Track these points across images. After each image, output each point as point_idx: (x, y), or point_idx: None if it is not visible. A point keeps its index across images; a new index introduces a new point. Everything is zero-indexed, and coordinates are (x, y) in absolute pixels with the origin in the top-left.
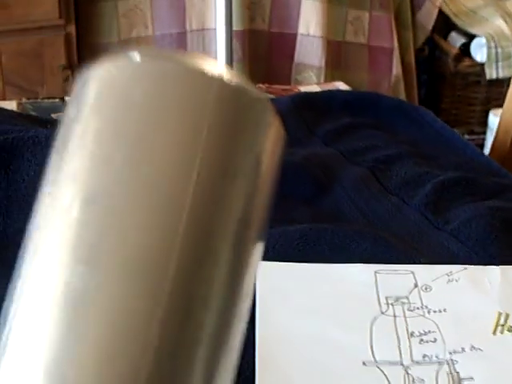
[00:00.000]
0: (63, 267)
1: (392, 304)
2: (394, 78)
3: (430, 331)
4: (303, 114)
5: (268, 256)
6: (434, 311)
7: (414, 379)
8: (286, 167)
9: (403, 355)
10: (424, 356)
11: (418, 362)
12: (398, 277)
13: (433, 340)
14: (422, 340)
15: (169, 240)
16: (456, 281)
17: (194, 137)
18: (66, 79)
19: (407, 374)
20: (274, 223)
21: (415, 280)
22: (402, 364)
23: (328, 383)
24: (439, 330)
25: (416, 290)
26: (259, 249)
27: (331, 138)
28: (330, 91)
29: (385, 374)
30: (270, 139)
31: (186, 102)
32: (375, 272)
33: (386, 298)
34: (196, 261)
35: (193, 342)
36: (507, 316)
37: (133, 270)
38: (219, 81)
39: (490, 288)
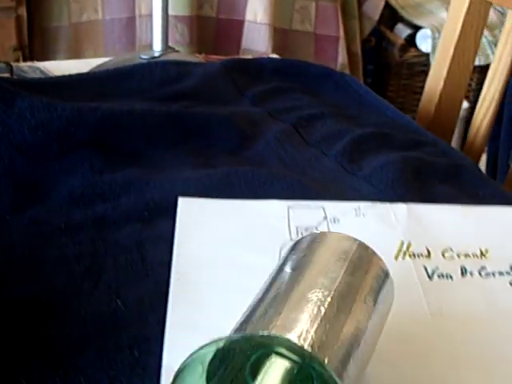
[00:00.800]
0: None
1: (302, 233)
2: (339, 66)
3: None
4: (234, 77)
5: (189, 194)
6: None
7: None
8: (212, 119)
9: None
10: None
11: None
12: (309, 211)
13: None
14: None
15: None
16: (363, 215)
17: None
18: (17, 60)
19: None
20: (197, 167)
21: (325, 214)
22: None
23: (240, 300)
24: None
25: (325, 222)
26: None
27: (259, 99)
28: (261, 58)
29: None
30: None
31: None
32: (288, 207)
33: (297, 228)
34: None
35: None
36: (409, 245)
37: None
38: (356, 242)
39: (396, 223)
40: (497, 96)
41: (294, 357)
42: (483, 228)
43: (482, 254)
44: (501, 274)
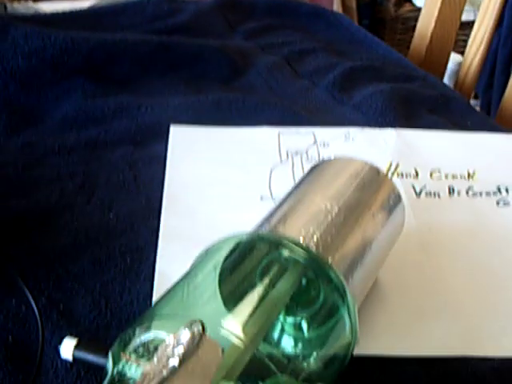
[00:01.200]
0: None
1: (292, 156)
2: None
3: None
4: (226, 14)
5: (181, 120)
6: None
7: None
8: (203, 49)
9: None
10: None
11: None
12: (299, 136)
13: None
14: None
15: None
16: (353, 139)
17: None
18: (12, 0)
19: None
20: (189, 95)
21: (315, 138)
22: None
23: (229, 213)
24: None
25: (315, 146)
26: None
27: (251, 35)
28: None
29: None
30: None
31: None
32: (279, 132)
33: (287, 152)
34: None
35: None
36: (398, 165)
37: None
38: (368, 165)
39: (385, 146)
40: (487, 36)
41: (301, 255)
42: (471, 152)
43: (469, 175)
44: (488, 194)
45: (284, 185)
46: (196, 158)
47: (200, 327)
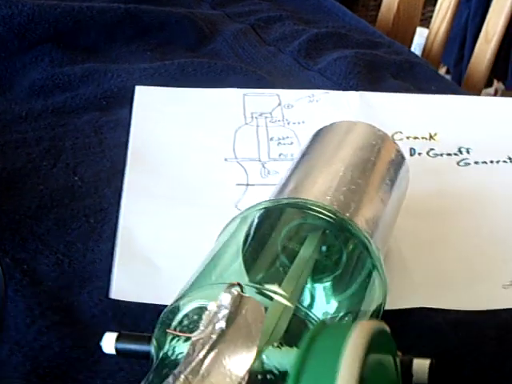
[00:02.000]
0: None
1: (256, 117)
2: None
3: (288, 137)
4: None
5: (146, 84)
6: (294, 123)
7: (269, 171)
8: (170, 16)
9: (261, 154)
10: (280, 154)
11: (274, 159)
12: (263, 98)
13: (289, 143)
14: (279, 143)
15: None
16: (317, 101)
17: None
18: None
19: (264, 167)
20: (155, 61)
21: (280, 100)
22: (259, 160)
23: (193, 174)
24: (296, 136)
25: (279, 107)
26: None
27: (218, 3)
28: None
29: (244, 168)
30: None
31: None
32: (243, 94)
33: (252, 114)
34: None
35: None
36: None
37: None
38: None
39: (348, 108)
40: (452, 5)
41: (327, 218)
42: (433, 114)
43: (430, 136)
44: (449, 154)
45: (248, 146)
46: (160, 118)
47: (239, 288)
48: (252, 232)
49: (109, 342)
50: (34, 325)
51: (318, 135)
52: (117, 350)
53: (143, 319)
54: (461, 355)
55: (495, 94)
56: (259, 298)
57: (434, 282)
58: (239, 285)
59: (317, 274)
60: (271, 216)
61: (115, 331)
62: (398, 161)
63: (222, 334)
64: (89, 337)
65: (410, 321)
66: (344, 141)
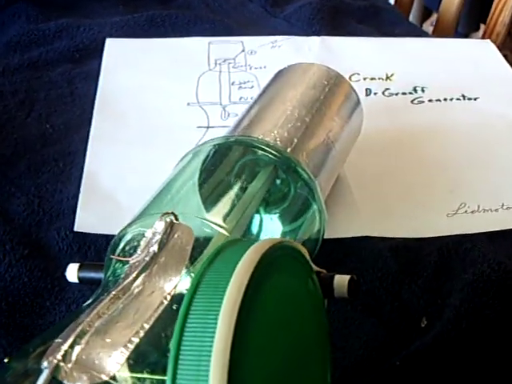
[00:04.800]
0: None
1: (220, 64)
2: None
3: (249, 81)
4: None
5: (116, 36)
6: (256, 68)
7: (229, 114)
8: None
9: (223, 98)
10: (241, 98)
11: (235, 102)
12: (228, 45)
13: (250, 87)
14: (240, 87)
15: None
16: (279, 47)
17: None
18: None
19: (224, 110)
20: (126, 14)
21: (243, 47)
22: (220, 104)
23: (157, 119)
24: (257, 80)
25: (243, 53)
26: None
27: None
28: None
29: (205, 111)
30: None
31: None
32: (209, 42)
33: (216, 60)
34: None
35: None
36: None
37: None
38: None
39: (309, 52)
40: None
41: (273, 155)
42: (391, 56)
43: (387, 77)
44: (404, 94)
45: (210, 90)
46: (128, 68)
47: (172, 217)
48: (207, 167)
49: (72, 272)
50: (6, 258)
51: (276, 77)
52: (79, 278)
53: (105, 251)
54: (400, 279)
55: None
56: (208, 229)
57: (379, 213)
58: (173, 214)
59: (267, 205)
60: (225, 152)
61: (79, 262)
62: (352, 100)
63: (155, 256)
64: (55, 268)
65: (353, 248)
66: (297, 81)
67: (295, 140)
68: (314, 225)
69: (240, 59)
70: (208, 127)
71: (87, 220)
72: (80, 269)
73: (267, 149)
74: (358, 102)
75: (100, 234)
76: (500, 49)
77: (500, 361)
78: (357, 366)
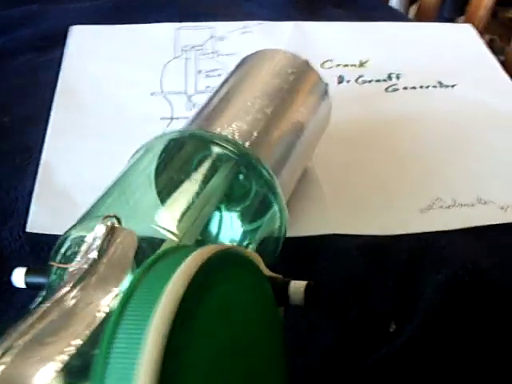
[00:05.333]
0: None
1: (186, 50)
2: None
3: (216, 69)
4: None
5: (83, 23)
6: (224, 55)
7: (194, 104)
8: None
9: (188, 87)
10: (207, 87)
11: (201, 92)
12: (196, 31)
13: (217, 75)
14: (207, 75)
15: None
16: (251, 32)
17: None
18: None
19: (189, 100)
20: (94, 1)
21: (212, 33)
22: (186, 93)
23: (118, 110)
24: (225, 68)
25: (212, 40)
26: None
27: None
28: None
29: (169, 101)
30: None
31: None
32: (177, 29)
33: (183, 47)
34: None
35: None
36: None
37: None
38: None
39: (281, 39)
40: None
41: (231, 151)
42: (366, 41)
43: (361, 64)
44: (378, 81)
45: (175, 80)
46: (91, 56)
47: (114, 220)
48: (163, 162)
49: (19, 277)
50: None
51: (239, 65)
52: (27, 283)
53: None
54: (368, 280)
55: None
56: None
57: (348, 208)
58: (115, 217)
59: (228, 203)
60: (182, 146)
61: (27, 266)
62: (319, 89)
63: (94, 264)
64: (6, 271)
65: (320, 247)
66: (261, 69)
67: (255, 133)
68: (274, 224)
69: (208, 46)
70: (172, 118)
71: (40, 219)
72: (27, 273)
73: (223, 144)
74: (325, 91)
75: (54, 235)
76: (482, 33)
77: (471, 365)
78: (320, 373)
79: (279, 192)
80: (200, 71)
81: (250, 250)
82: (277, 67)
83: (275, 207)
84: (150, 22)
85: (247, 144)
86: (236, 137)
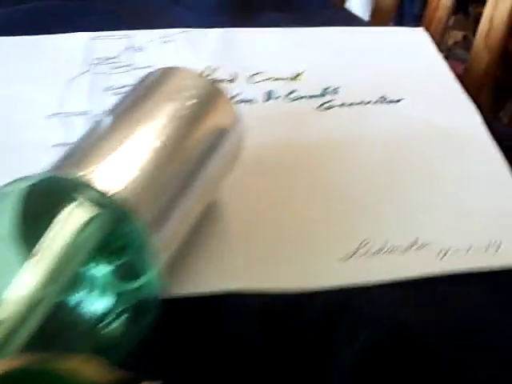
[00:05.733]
0: None
1: (96, 64)
2: None
3: (128, 85)
4: None
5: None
6: (141, 68)
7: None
8: None
9: (93, 107)
10: None
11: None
12: (112, 41)
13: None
14: (117, 93)
15: None
16: (173, 41)
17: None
18: None
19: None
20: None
21: (129, 42)
22: (88, 114)
23: (12, 132)
24: None
25: (128, 51)
26: None
27: None
28: None
29: (67, 124)
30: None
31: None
32: (90, 38)
33: (94, 60)
34: None
35: None
36: (215, 70)
37: None
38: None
39: (206, 48)
40: None
41: (100, 203)
42: (303, 50)
43: (295, 76)
44: (311, 97)
45: (78, 98)
46: None
47: None
48: (23, 208)
49: None
50: None
51: (132, 89)
52: None
53: None
54: (267, 353)
55: None
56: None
57: (253, 258)
58: None
59: (102, 258)
60: (45, 193)
61: None
62: (227, 113)
63: None
64: None
65: (213, 309)
66: (154, 93)
67: (131, 177)
68: (151, 288)
69: (124, 58)
70: (66, 145)
71: None
72: None
73: (86, 193)
74: (236, 117)
75: None
76: (443, 32)
77: None
78: None
79: (154, 255)
80: (109, 88)
81: (87, 355)
82: (174, 89)
83: (151, 267)
84: (67, 30)
85: (117, 193)
86: (103, 182)
